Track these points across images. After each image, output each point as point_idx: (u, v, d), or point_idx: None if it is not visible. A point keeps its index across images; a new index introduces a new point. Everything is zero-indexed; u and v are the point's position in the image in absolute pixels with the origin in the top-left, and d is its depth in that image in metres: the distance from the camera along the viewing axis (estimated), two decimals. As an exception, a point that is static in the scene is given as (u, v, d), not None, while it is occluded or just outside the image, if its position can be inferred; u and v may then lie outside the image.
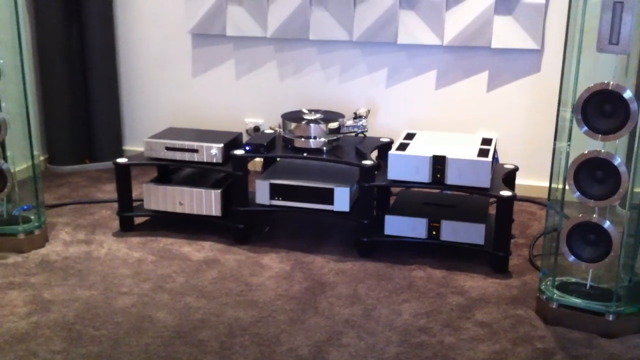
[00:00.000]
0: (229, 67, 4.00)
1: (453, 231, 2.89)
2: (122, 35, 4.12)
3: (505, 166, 3.12)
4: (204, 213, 3.15)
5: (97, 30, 3.98)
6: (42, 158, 4.06)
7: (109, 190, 3.80)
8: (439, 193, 3.30)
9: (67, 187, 3.84)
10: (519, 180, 3.39)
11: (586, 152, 2.34)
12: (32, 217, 3.08)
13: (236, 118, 4.02)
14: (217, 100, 4.06)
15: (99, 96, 4.08)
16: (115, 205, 3.51)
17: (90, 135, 4.15)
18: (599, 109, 2.31)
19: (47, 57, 3.90)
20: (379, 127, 3.76)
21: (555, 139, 2.50)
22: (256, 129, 3.97)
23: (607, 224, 2.37)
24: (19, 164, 3.03)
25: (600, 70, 2.34)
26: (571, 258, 2.42)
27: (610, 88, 2.28)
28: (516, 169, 3.11)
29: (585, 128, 2.32)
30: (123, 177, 3.18)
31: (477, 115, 3.72)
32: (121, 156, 4.15)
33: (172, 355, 2.27)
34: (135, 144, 4.24)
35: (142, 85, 4.18)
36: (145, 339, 2.37)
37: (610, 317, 2.41)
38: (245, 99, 4.01)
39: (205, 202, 3.13)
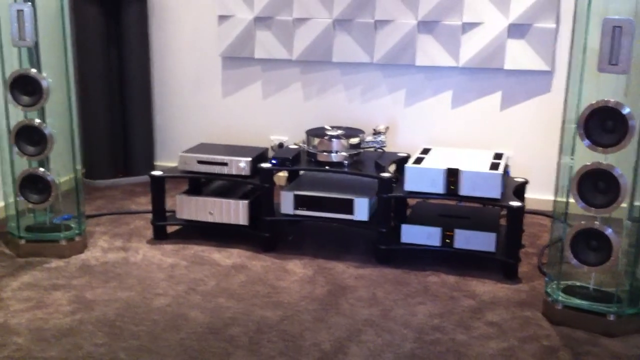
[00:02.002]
0: (257, 88, 4.24)
1: (466, 239, 3.08)
2: (157, 59, 4.39)
3: (516, 179, 3.31)
4: (232, 222, 3.37)
5: (134, 54, 4.25)
6: (73, 174, 4.29)
7: (142, 202, 4.04)
8: (453, 205, 3.49)
9: (104, 199, 4.09)
10: (531, 194, 3.58)
11: (589, 163, 2.53)
12: (73, 225, 3.32)
13: (262, 135, 4.25)
14: (244, 118, 4.30)
15: (134, 115, 4.34)
16: (149, 216, 3.74)
17: (125, 152, 4.41)
18: (601, 124, 2.51)
19: (88, 79, 4.17)
20: (399, 144, 3.97)
21: (560, 154, 2.69)
22: (280, 145, 4.20)
23: (608, 231, 2.55)
24: (60, 177, 3.27)
25: (602, 89, 2.54)
26: (574, 262, 2.60)
27: (610, 105, 2.47)
28: (526, 182, 3.30)
29: (588, 142, 2.51)
30: (158, 188, 3.41)
31: (491, 133, 3.91)
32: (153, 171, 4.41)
33: (205, 349, 2.48)
34: (166, 160, 4.48)
35: (174, 105, 4.43)
36: (181, 334, 2.58)
37: (612, 318, 2.59)
38: (271, 117, 4.25)
39: (234, 212, 3.35)
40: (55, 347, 2.48)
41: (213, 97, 4.35)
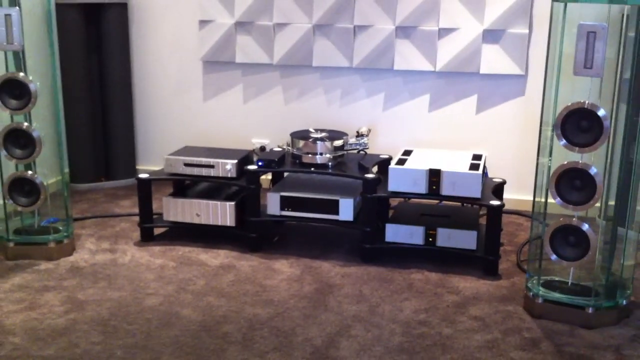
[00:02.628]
0: (238, 92, 4.31)
1: (448, 238, 3.18)
2: (138, 63, 4.43)
3: (494, 180, 3.43)
4: (219, 223, 3.43)
5: (114, 59, 4.29)
6: (57, 178, 4.31)
7: (126, 205, 4.07)
8: (434, 205, 3.60)
9: (87, 202, 4.11)
10: (507, 195, 3.70)
11: (565, 162, 2.66)
12: (61, 228, 3.35)
13: (244, 139, 4.32)
14: (226, 122, 4.37)
15: (116, 119, 4.37)
16: (134, 218, 3.80)
17: (106, 156, 4.43)
18: (577, 125, 2.63)
19: (69, 84, 4.19)
20: (378, 146, 4.07)
21: (538, 155, 2.81)
22: (262, 148, 4.27)
23: (585, 227, 2.68)
24: (47, 180, 3.30)
25: (577, 91, 2.66)
26: (553, 257, 2.72)
27: (586, 107, 2.60)
28: (504, 182, 3.42)
29: (564, 142, 2.63)
30: (144, 191, 3.46)
31: (468, 135, 4.04)
32: (135, 175, 4.45)
33: (200, 345, 2.54)
34: (147, 164, 4.52)
35: (155, 109, 4.48)
36: (175, 332, 2.63)
37: (590, 310, 2.71)
38: (253, 121, 4.32)
39: (221, 213, 3.41)
40: (52, 346, 2.52)
41: (194, 101, 4.40)
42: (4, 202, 3.26)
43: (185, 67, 4.37)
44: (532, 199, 2.85)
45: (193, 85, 4.38)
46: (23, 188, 3.23)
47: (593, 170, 2.62)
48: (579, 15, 2.60)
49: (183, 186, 3.66)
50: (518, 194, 3.97)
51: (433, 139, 4.07)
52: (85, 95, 4.25)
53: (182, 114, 4.44)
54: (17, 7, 3.05)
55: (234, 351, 2.50)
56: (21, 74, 3.11)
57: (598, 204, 2.76)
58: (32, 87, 3.11)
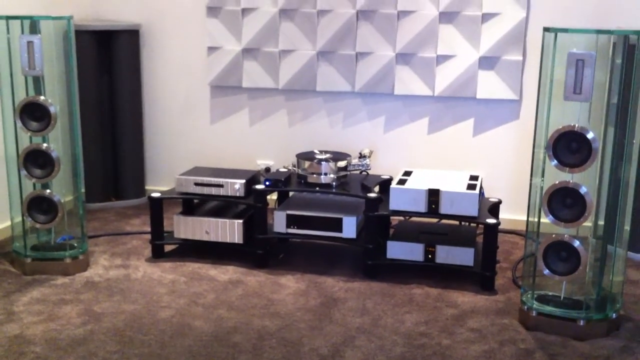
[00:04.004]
0: (244, 115, 4.49)
1: (446, 255, 3.34)
2: (148, 87, 4.61)
3: (490, 199, 3.59)
4: (228, 241, 3.58)
5: (125, 83, 4.46)
6: (70, 197, 4.47)
7: (136, 223, 4.23)
8: (433, 223, 3.75)
9: (98, 221, 4.26)
10: (503, 215, 3.86)
11: (557, 182, 2.82)
12: (76, 245, 3.50)
13: (249, 160, 4.49)
14: (232, 144, 4.54)
15: (126, 141, 4.54)
16: (145, 236, 3.95)
17: (116, 176, 4.59)
18: (567, 146, 2.79)
19: (81, 106, 4.32)
20: (379, 167, 4.23)
21: (531, 176, 2.97)
22: (267, 169, 4.43)
23: (576, 243, 2.84)
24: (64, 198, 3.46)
25: (568, 115, 2.83)
26: (546, 271, 2.87)
27: (575, 129, 2.77)
28: (500, 201, 3.58)
29: (556, 162, 2.80)
30: (156, 209, 3.61)
31: (465, 157, 4.21)
32: (144, 195, 4.61)
33: (212, 354, 2.68)
34: (156, 184, 4.68)
35: (164, 132, 4.65)
36: (188, 342, 2.78)
37: (582, 323, 2.86)
38: (258, 143, 4.49)
39: (229, 231, 3.57)
40: (71, 355, 2.66)
41: (201, 124, 4.58)
42: (23, 220, 3.41)
43: (193, 91, 4.55)
44: (526, 218, 3.00)
45: (201, 109, 4.56)
46: (41, 206, 3.39)
47: (583, 190, 2.78)
48: (568, 44, 2.77)
49: (192, 205, 3.82)
50: (513, 213, 4.13)
51: (432, 161, 4.24)
52: (96, 117, 4.42)
53: (189, 137, 4.61)
54: (39, 35, 3.23)
55: (245, 359, 2.65)
56: (42, 97, 3.28)
57: (589, 223, 2.92)
58: (52, 109, 3.28)
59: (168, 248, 3.76)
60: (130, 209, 4.52)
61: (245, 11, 4.28)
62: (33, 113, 3.29)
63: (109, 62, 4.45)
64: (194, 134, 4.60)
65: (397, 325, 2.95)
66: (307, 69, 4.27)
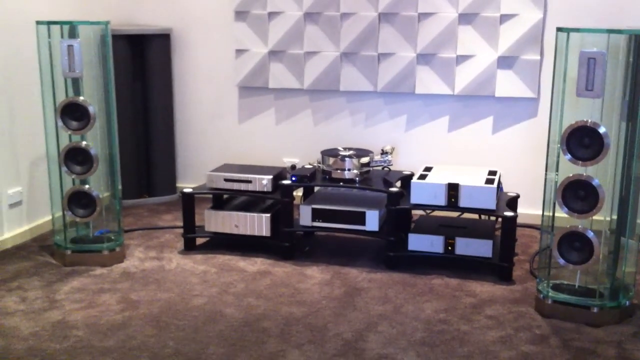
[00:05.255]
0: (270, 115, 4.66)
1: (466, 246, 3.48)
2: (179, 89, 4.81)
3: (509, 194, 3.72)
4: (256, 234, 3.75)
5: (157, 85, 4.66)
6: (107, 193, 4.68)
7: (168, 219, 4.42)
8: (452, 217, 3.89)
9: (132, 216, 4.46)
10: (521, 209, 3.98)
11: (571, 175, 2.95)
12: (113, 237, 3.69)
13: (275, 157, 4.66)
14: (259, 143, 4.71)
15: (157, 140, 4.74)
16: (177, 230, 4.14)
17: (148, 174, 4.79)
18: (580, 141, 2.92)
19: (116, 107, 4.54)
20: (400, 164, 4.38)
21: (546, 171, 3.10)
22: (293, 167, 4.57)
23: (590, 234, 2.96)
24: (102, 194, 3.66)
25: (580, 111, 2.96)
26: (561, 261, 3.01)
27: (588, 125, 2.90)
28: (518, 195, 3.71)
29: (569, 156, 2.93)
30: (188, 204, 3.79)
31: (484, 154, 4.34)
32: (174, 192, 4.80)
33: (243, 338, 2.85)
34: (186, 182, 4.87)
35: (194, 131, 4.84)
36: (220, 327, 2.95)
37: (595, 310, 2.99)
38: (284, 141, 4.66)
39: (257, 224, 3.74)
40: (111, 339, 2.85)
41: (230, 124, 4.76)
42: (63, 214, 3.61)
43: (222, 92, 4.73)
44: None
45: (229, 109, 4.74)
46: (81, 201, 3.58)
47: (595, 182, 2.91)
48: (581, 43, 2.91)
49: (221, 200, 3.99)
50: (531, 208, 4.25)
51: (452, 158, 4.38)
52: (129, 118, 4.62)
53: (218, 136, 4.80)
54: (78, 39, 3.42)
55: (273, 343, 2.81)
56: (81, 97, 3.48)
57: (602, 217, 3.05)
58: (91, 109, 3.47)
59: (199, 241, 3.94)
60: (162, 205, 4.72)
61: (271, 15, 4.46)
62: (73, 113, 3.49)
63: (141, 64, 4.65)
64: (222, 133, 4.79)
65: (418, 313, 3.09)
66: (331, 70, 4.43)
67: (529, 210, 4.25)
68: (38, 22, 3.45)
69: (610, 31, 2.88)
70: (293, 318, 3.04)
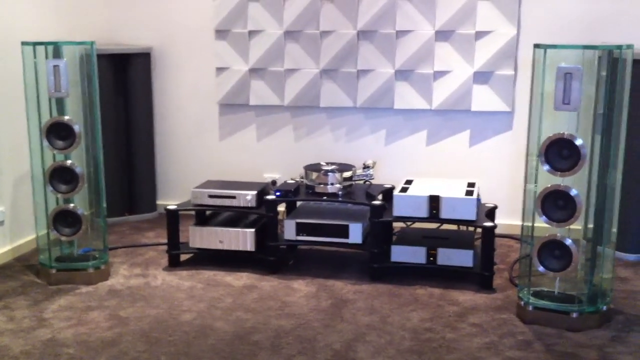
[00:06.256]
0: (251, 131, 4.72)
1: (447, 257, 3.56)
2: (159, 106, 4.84)
3: (487, 205, 3.83)
4: (240, 249, 3.80)
5: (138, 103, 4.70)
6: (89, 211, 4.69)
7: (150, 236, 4.44)
8: (432, 229, 3.98)
9: (114, 234, 4.47)
10: (498, 220, 4.07)
11: (549, 185, 3.05)
12: (97, 255, 3.70)
13: (256, 173, 4.71)
14: (239, 159, 4.77)
15: (139, 158, 4.77)
16: (160, 247, 4.17)
17: (130, 192, 4.81)
18: (558, 153, 3.03)
19: (97, 125, 4.59)
20: (381, 177, 4.45)
21: (525, 182, 3.20)
22: (273, 182, 4.64)
23: (568, 242, 3.07)
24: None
25: (558, 124, 3.06)
26: (541, 268, 3.10)
27: (565, 137, 3.01)
28: (495, 207, 3.82)
29: (548, 167, 3.03)
30: (172, 221, 3.83)
31: (462, 166, 4.45)
32: (155, 209, 4.83)
33: (234, 351, 2.89)
34: (167, 199, 4.90)
35: (175, 149, 4.88)
36: (211, 341, 2.99)
37: (575, 315, 3.08)
38: (265, 157, 4.72)
39: (241, 239, 3.78)
40: (103, 355, 2.87)
41: (210, 141, 4.81)
42: (48, 233, 3.62)
43: (202, 109, 4.78)
44: (521, 222, 3.23)
45: (210, 126, 4.79)
46: (66, 220, 3.60)
47: (573, 192, 3.02)
48: (557, 59, 3.02)
49: (205, 217, 4.03)
50: (508, 219, 4.36)
51: (431, 171, 4.47)
52: (111, 137, 4.63)
53: (199, 153, 4.84)
54: (64, 59, 3.46)
55: (265, 355, 2.86)
56: (67, 117, 3.51)
57: (579, 226, 3.16)
58: (76, 129, 3.50)
59: (183, 257, 3.97)
60: (144, 223, 4.74)
61: (252, 33, 4.53)
62: (59, 132, 3.51)
63: (122, 83, 4.68)
64: (203, 150, 4.83)
65: (404, 322, 3.16)
66: (311, 87, 4.51)
67: (506, 220, 4.36)
68: (24, 43, 3.48)
69: (586, 47, 3.00)
70: (283, 330, 3.08)
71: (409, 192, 3.59)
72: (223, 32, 4.59)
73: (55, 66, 3.45)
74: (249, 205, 3.79)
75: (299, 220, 3.73)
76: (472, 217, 3.51)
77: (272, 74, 4.56)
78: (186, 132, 4.85)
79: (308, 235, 3.73)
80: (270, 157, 4.72)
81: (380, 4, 4.32)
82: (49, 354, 2.88)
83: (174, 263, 3.88)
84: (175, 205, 3.89)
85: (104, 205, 3.70)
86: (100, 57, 4.47)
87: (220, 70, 4.64)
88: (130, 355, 2.87)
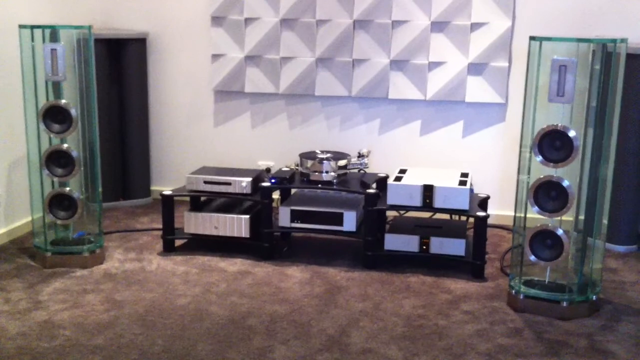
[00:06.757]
0: (246, 119, 4.74)
1: (440, 245, 3.61)
2: (154, 93, 4.85)
3: (480, 195, 3.87)
4: (235, 235, 3.83)
5: (133, 89, 4.70)
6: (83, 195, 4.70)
7: (144, 221, 4.46)
8: (425, 218, 4.02)
9: (108, 219, 4.49)
10: (490, 210, 4.13)
11: (542, 176, 3.10)
12: (92, 239, 3.72)
13: (250, 161, 4.73)
14: (234, 147, 4.79)
15: (133, 144, 4.78)
16: (155, 233, 4.19)
17: (124, 177, 4.82)
18: (551, 144, 3.08)
19: (91, 110, 4.60)
20: (374, 166, 4.49)
21: (518, 173, 3.25)
22: (268, 170, 4.68)
23: (560, 232, 3.12)
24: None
25: (552, 116, 3.11)
26: (532, 257, 3.15)
27: (558, 128, 3.05)
28: (488, 197, 3.86)
29: (541, 158, 3.08)
30: (168, 206, 3.85)
31: (455, 157, 4.49)
32: (149, 195, 4.85)
33: (229, 334, 2.93)
34: (161, 185, 4.91)
35: (169, 135, 4.89)
36: (206, 325, 3.02)
37: (565, 304, 3.14)
38: (259, 145, 4.74)
39: (237, 225, 3.81)
40: (99, 337, 2.90)
41: (205, 128, 4.82)
42: (44, 216, 3.64)
43: (198, 96, 4.79)
44: (512, 213, 3.28)
45: (205, 113, 4.80)
46: (62, 203, 3.61)
47: (565, 183, 3.07)
48: (552, 51, 3.06)
49: (199, 202, 4.06)
50: (500, 209, 4.41)
51: (424, 161, 4.51)
52: (105, 122, 4.64)
53: (194, 139, 4.86)
54: (62, 43, 3.46)
55: (260, 339, 2.89)
56: (63, 101, 3.52)
57: (571, 217, 3.21)
58: (73, 112, 3.51)
59: (178, 243, 3.99)
60: (138, 208, 4.75)
61: (248, 21, 4.55)
62: (55, 116, 3.52)
63: (117, 68, 4.68)
64: (198, 137, 4.85)
65: (397, 309, 3.21)
66: (307, 75, 4.53)
67: (498, 211, 4.41)
68: (21, 26, 3.48)
69: (580, 40, 3.04)
70: (277, 315, 3.12)
71: (403, 181, 3.63)
72: (219, 19, 4.60)
73: (52, 50, 3.45)
74: (244, 192, 3.81)
75: (293, 208, 3.76)
76: (465, 206, 3.55)
77: (267, 61, 4.57)
78: (181, 118, 4.86)
79: (302, 222, 3.76)
80: (265, 145, 4.74)
81: (377, -6, 4.35)
82: (45, 336, 2.90)
83: (169, 248, 3.91)
84: (170, 190, 3.91)
85: (100, 189, 3.72)
86: (96, 41, 4.46)
87: (215, 57, 4.65)
88: (126, 337, 2.90)
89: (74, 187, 3.67)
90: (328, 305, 3.24)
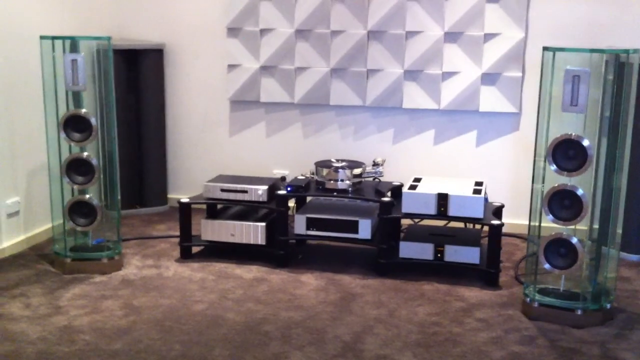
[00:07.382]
0: (261, 128, 4.80)
1: (454, 253, 3.63)
2: (171, 102, 4.92)
3: (494, 204, 3.90)
4: (251, 242, 3.87)
5: (150, 99, 4.78)
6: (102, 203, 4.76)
7: (161, 229, 4.51)
8: (440, 226, 4.05)
9: (125, 226, 4.54)
10: (504, 219, 4.14)
11: (556, 185, 3.13)
12: (111, 246, 3.78)
13: (265, 169, 4.79)
14: (249, 155, 4.84)
15: (150, 153, 4.84)
16: (172, 240, 4.24)
17: (140, 185, 4.89)
18: (565, 153, 3.11)
19: (109, 119, 4.67)
20: (387, 175, 4.51)
21: (532, 182, 3.28)
22: (283, 178, 4.71)
23: (574, 240, 3.14)
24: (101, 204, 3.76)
25: (565, 126, 3.14)
26: (547, 266, 3.18)
27: (572, 138, 3.08)
28: (502, 205, 3.89)
29: (555, 167, 3.11)
30: (185, 213, 3.90)
31: (468, 166, 4.52)
32: (166, 203, 4.91)
33: (246, 340, 2.97)
34: (177, 193, 4.97)
35: (185, 144, 4.95)
36: (223, 330, 3.06)
37: (579, 312, 3.16)
38: (274, 154, 4.80)
39: (253, 233, 3.86)
40: (118, 342, 2.94)
41: (221, 137, 4.88)
42: (64, 223, 3.70)
43: (213, 106, 4.86)
44: (526, 222, 3.31)
45: (220, 122, 4.86)
46: (82, 210, 3.67)
47: (580, 192, 3.09)
48: (565, 61, 3.09)
49: (215, 210, 4.11)
50: (513, 218, 4.43)
51: (437, 170, 4.55)
52: (122, 131, 4.69)
53: (209, 148, 4.91)
54: (82, 54, 3.53)
55: (276, 345, 2.93)
56: (84, 110, 3.58)
57: (585, 227, 3.23)
58: (93, 121, 3.58)
59: (194, 250, 4.04)
60: (154, 216, 4.81)
61: (263, 32, 4.61)
62: (76, 125, 3.58)
63: (135, 79, 4.75)
64: (214, 146, 4.90)
65: (411, 316, 3.24)
66: (321, 85, 4.58)
67: (511, 219, 4.43)
68: (42, 37, 3.55)
69: (593, 50, 3.07)
70: (292, 322, 3.16)
71: (417, 190, 3.66)
72: (235, 30, 4.66)
73: (73, 60, 3.52)
74: (260, 199, 3.86)
75: (309, 215, 3.80)
76: (480, 215, 3.58)
77: (282, 71, 4.63)
78: (197, 127, 4.92)
79: (318, 230, 3.80)
80: (280, 154, 4.80)
81: (390, 4, 4.39)
82: (65, 340, 2.95)
83: (186, 255, 3.96)
84: (187, 198, 3.96)
85: (119, 197, 3.78)
86: (114, 52, 4.53)
87: (231, 67, 4.71)
88: (144, 342, 2.94)
89: (93, 195, 3.73)
90: (343, 312, 3.28)
